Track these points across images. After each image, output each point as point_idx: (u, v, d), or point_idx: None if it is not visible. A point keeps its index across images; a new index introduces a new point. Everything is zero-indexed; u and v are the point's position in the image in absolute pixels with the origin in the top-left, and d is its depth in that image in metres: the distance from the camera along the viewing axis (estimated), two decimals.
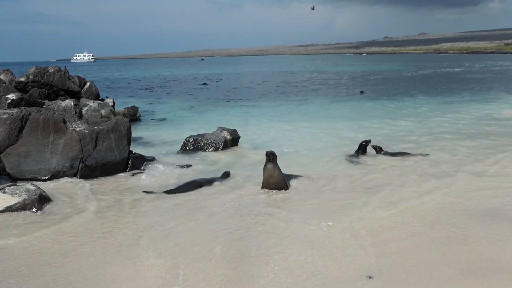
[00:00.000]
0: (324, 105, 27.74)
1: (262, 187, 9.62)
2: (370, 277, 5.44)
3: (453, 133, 16.67)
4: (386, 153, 12.87)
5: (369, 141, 13.23)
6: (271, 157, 9.55)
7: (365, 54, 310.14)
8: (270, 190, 9.48)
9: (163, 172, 11.33)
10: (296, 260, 6.06)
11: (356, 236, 6.81)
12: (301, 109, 26.12)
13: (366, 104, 28.03)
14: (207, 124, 20.03)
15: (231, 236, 7.01)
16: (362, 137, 14.71)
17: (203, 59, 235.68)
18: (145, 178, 10.93)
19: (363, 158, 12.58)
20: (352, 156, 12.81)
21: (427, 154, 12.71)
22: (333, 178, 10.55)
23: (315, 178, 10.53)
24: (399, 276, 5.49)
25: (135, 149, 13.07)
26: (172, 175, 11.07)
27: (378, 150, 12.95)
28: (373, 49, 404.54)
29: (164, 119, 22.98)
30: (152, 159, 12.31)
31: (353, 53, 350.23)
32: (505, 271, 5.48)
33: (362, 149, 12.99)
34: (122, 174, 11.24)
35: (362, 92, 35.42)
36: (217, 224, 7.56)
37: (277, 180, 9.51)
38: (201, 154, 13.66)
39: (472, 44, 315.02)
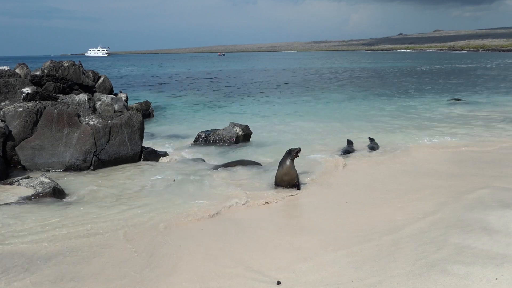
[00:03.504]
0: (338, 103, 27.58)
1: (276, 183, 9.58)
2: None
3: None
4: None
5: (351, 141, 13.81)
6: (287, 154, 9.55)
7: (378, 51, 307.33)
8: (283, 188, 9.45)
9: (174, 167, 11.38)
10: None
11: None
12: (315, 106, 26.00)
13: (382, 103, 27.84)
14: (220, 119, 20.08)
15: None
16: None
17: (223, 55, 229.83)
18: (158, 168, 11.05)
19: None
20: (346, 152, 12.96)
21: None
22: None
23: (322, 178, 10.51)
24: None
25: (148, 143, 13.15)
26: (183, 169, 11.13)
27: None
28: (387, 46, 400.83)
29: (176, 114, 23.06)
30: (164, 154, 12.37)
31: (366, 50, 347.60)
32: None
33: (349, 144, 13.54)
34: (133, 164, 11.41)
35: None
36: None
37: (291, 178, 9.49)
38: (213, 149, 13.70)
39: (488, 42, 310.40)
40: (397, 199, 8.74)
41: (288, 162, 9.50)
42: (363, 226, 7.23)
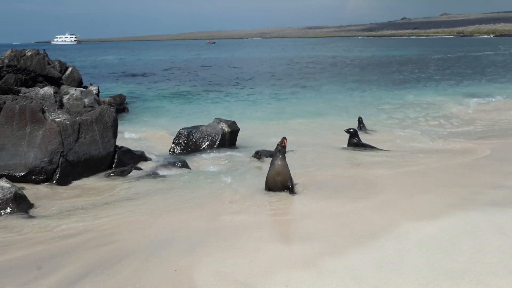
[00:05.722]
0: (332, 96, 27.68)
1: (267, 187, 9.34)
2: None
3: None
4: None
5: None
6: (276, 151, 9.25)
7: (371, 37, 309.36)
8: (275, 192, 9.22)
9: (152, 169, 11.31)
10: None
11: None
12: (308, 100, 26.07)
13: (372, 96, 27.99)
14: (203, 114, 20.03)
15: None
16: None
17: (214, 42, 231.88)
18: (130, 178, 10.88)
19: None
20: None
21: None
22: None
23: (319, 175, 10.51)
24: None
25: (122, 142, 13.05)
26: (163, 172, 11.07)
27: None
28: (389, 31, 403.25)
29: (154, 108, 22.97)
30: (140, 154, 12.28)
31: (367, 36, 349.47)
32: None
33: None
34: (104, 173, 11.18)
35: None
36: None
37: (284, 178, 9.15)
38: (196, 148, 13.66)
39: (500, 27, 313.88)
40: (403, 201, 8.76)
41: (279, 160, 9.14)
42: (364, 232, 7.21)
